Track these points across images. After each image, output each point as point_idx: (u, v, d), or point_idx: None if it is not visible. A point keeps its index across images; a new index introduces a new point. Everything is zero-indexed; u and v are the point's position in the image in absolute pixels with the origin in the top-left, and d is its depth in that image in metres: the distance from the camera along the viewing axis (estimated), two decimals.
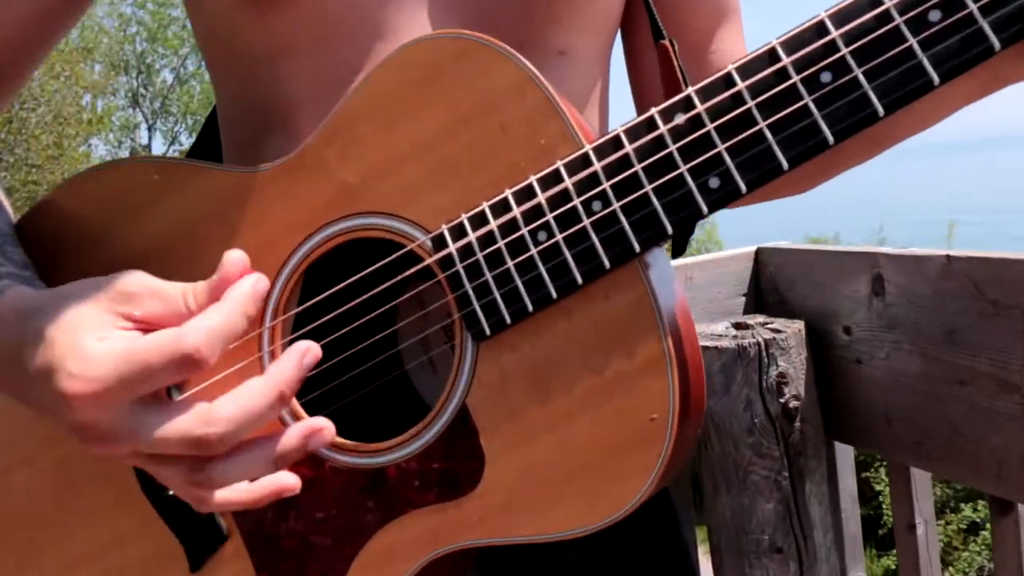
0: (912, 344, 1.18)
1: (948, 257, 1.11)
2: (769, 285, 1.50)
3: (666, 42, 0.77)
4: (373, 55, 0.81)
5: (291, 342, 0.75)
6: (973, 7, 0.59)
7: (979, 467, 1.11)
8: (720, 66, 0.94)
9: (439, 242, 0.71)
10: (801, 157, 0.63)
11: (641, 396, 0.66)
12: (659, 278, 0.68)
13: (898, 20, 0.61)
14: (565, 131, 0.69)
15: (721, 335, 1.37)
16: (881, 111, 0.61)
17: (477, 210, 0.71)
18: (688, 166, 0.65)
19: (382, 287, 0.74)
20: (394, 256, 0.73)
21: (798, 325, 1.37)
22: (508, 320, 0.69)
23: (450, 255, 0.71)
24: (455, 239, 0.71)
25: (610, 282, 0.68)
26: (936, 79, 0.60)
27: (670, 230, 0.66)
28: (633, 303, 0.67)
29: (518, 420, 0.69)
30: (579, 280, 0.68)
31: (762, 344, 1.33)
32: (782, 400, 1.33)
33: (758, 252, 1.54)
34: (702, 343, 1.27)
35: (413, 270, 0.73)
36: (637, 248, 0.66)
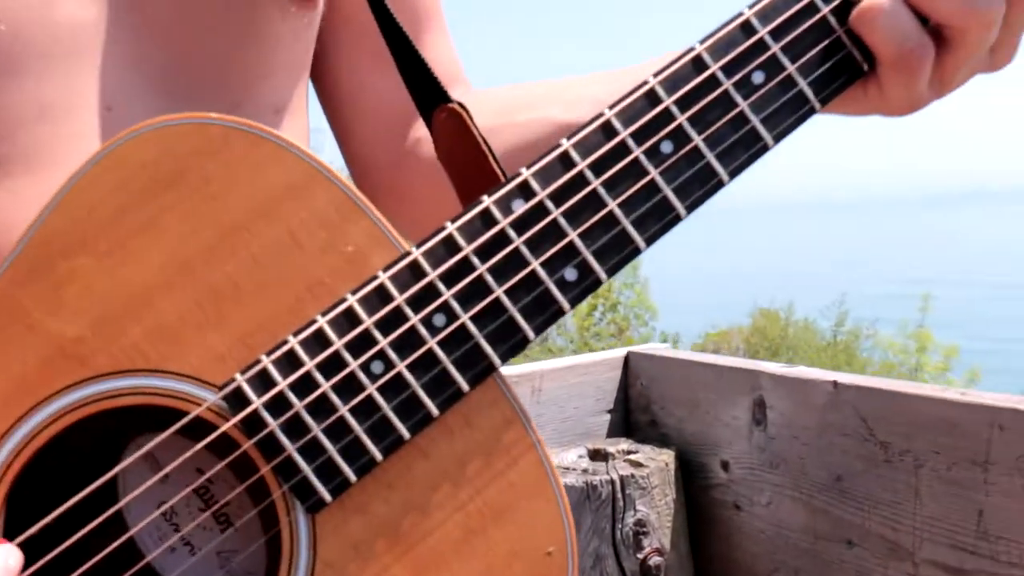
0: (796, 489, 0.98)
1: (835, 384, 0.94)
2: (640, 402, 1.19)
3: (456, 106, 0.66)
4: (35, 148, 0.59)
5: None
6: (791, 68, 0.59)
7: None
8: (446, 74, 0.85)
9: (236, 398, 0.54)
10: (657, 235, 0.58)
11: (529, 530, 0.57)
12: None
13: (726, 84, 0.58)
14: (375, 232, 0.56)
15: (569, 467, 1.06)
16: (726, 178, 0.59)
17: (284, 348, 0.55)
18: (540, 260, 0.57)
19: (158, 476, 0.54)
20: (173, 429, 0.54)
21: (667, 456, 1.08)
22: (353, 478, 0.55)
23: (256, 414, 0.54)
24: (259, 391, 0.54)
25: (469, 406, 0.57)
26: (771, 141, 0.59)
27: (532, 335, 0.57)
28: (500, 426, 0.57)
29: None
30: (435, 412, 0.56)
31: (617, 482, 1.03)
32: (640, 555, 1.03)
33: (628, 358, 1.22)
34: None
35: (201, 445, 0.54)
36: (498, 362, 0.56)
